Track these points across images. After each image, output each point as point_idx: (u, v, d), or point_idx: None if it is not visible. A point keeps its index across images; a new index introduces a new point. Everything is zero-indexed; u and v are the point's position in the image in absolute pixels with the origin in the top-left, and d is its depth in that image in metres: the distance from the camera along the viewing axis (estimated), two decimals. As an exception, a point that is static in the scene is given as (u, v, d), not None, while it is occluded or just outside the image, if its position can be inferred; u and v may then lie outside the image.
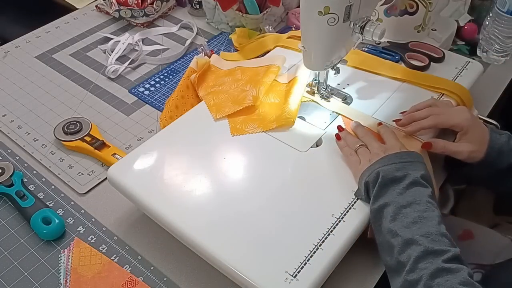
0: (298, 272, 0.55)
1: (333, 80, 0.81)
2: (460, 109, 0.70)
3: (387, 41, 0.88)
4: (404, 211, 0.56)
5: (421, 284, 0.50)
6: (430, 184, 0.60)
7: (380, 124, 0.72)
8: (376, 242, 0.59)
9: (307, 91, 0.80)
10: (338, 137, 0.70)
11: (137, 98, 0.94)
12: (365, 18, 0.68)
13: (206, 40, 1.09)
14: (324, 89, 0.79)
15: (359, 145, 0.67)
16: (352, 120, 0.74)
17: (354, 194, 0.64)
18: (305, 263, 0.56)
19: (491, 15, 0.93)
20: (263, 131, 0.72)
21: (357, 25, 0.68)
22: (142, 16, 1.12)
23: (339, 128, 0.72)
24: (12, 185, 0.74)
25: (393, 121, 0.73)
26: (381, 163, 0.62)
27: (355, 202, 0.63)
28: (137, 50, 1.04)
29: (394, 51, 0.86)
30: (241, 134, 0.72)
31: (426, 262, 0.51)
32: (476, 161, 0.67)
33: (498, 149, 0.66)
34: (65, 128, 0.84)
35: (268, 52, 0.94)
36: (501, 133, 0.68)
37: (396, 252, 0.54)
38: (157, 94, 0.94)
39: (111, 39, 1.06)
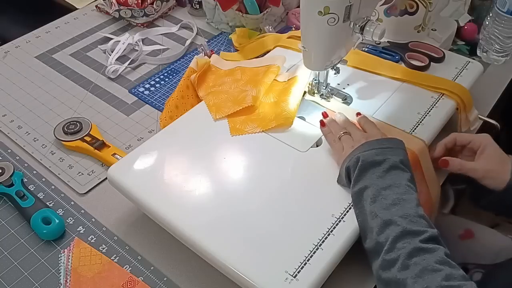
0: (298, 272, 0.55)
1: (333, 80, 0.81)
2: (482, 134, 0.71)
3: (387, 41, 0.88)
4: (383, 193, 0.57)
5: (398, 263, 0.51)
6: (409, 169, 0.61)
7: (358, 114, 0.73)
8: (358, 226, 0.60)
9: (307, 91, 0.80)
10: (322, 123, 0.72)
11: (137, 98, 0.94)
12: (365, 18, 0.68)
13: (206, 40, 1.09)
14: (324, 89, 0.79)
15: (343, 133, 0.68)
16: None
17: (337, 181, 0.64)
18: (305, 263, 0.56)
19: (491, 15, 0.93)
20: (262, 131, 0.72)
21: (357, 25, 0.68)
22: (142, 16, 1.12)
23: (324, 114, 0.73)
24: (12, 185, 0.74)
25: (440, 163, 0.72)
26: (361, 149, 0.63)
27: (355, 202, 0.63)
28: (137, 50, 1.04)
29: (394, 51, 0.86)
30: (241, 134, 0.72)
31: (403, 242, 0.53)
32: (494, 184, 0.66)
33: None
34: (65, 128, 0.84)
35: (268, 52, 0.94)
36: None
37: (375, 233, 0.55)
38: (157, 94, 0.94)
39: (111, 39, 1.06)
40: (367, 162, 0.61)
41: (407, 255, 0.51)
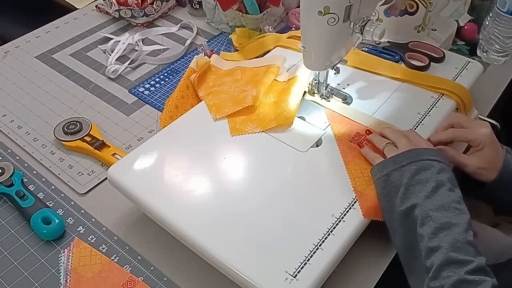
0: (298, 272, 0.55)
1: (333, 80, 0.81)
2: (481, 124, 0.69)
3: (387, 41, 0.88)
4: (431, 215, 0.55)
5: None
6: (457, 186, 0.59)
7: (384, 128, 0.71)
8: (396, 244, 0.59)
9: (307, 91, 0.80)
10: (360, 145, 0.69)
11: (137, 98, 0.94)
12: (365, 18, 0.68)
13: (206, 40, 1.09)
14: (324, 89, 0.79)
15: (386, 143, 0.66)
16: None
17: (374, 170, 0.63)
18: (305, 263, 0.56)
19: (491, 15, 0.93)
20: (262, 131, 0.72)
21: (357, 25, 0.68)
22: (142, 16, 1.12)
23: (367, 132, 0.71)
24: (12, 185, 0.74)
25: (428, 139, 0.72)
26: (407, 157, 0.61)
27: (355, 202, 0.62)
28: (137, 50, 1.04)
29: (394, 51, 0.86)
30: (241, 134, 0.72)
31: (448, 271, 0.51)
32: (484, 179, 0.66)
33: None
34: (65, 128, 0.84)
35: (268, 52, 0.94)
36: None
37: (423, 257, 0.54)
38: (157, 94, 0.94)
39: (111, 39, 1.06)
40: (414, 178, 0.59)
41: (451, 286, 0.50)
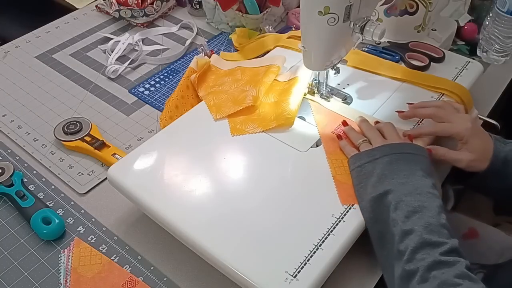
0: (298, 272, 0.55)
1: (333, 80, 0.81)
2: (462, 117, 0.69)
3: (387, 41, 0.88)
4: (405, 200, 0.57)
5: (418, 275, 0.51)
6: (432, 176, 0.61)
7: (377, 122, 0.72)
8: (370, 231, 0.60)
9: (307, 91, 0.80)
10: (339, 137, 0.71)
11: (137, 98, 0.94)
12: (365, 18, 0.68)
13: (206, 40, 1.09)
14: (324, 89, 0.79)
15: (362, 140, 0.67)
16: (353, 120, 0.74)
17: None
18: (305, 263, 0.56)
19: (491, 15, 0.93)
20: (263, 131, 0.72)
21: (357, 25, 0.68)
22: (142, 16, 1.12)
23: (344, 123, 0.73)
24: (12, 185, 0.74)
25: (396, 111, 0.74)
26: (382, 151, 0.63)
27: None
28: (137, 50, 1.04)
29: (394, 51, 0.86)
30: (241, 134, 0.72)
31: (423, 253, 0.52)
32: (478, 170, 0.66)
33: (503, 158, 0.66)
34: (65, 128, 0.83)
35: (268, 52, 0.94)
36: (506, 142, 0.68)
37: (396, 241, 0.55)
38: (157, 94, 0.94)
39: (111, 39, 1.06)
40: (387, 168, 0.60)
41: (426, 268, 0.51)
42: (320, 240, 0.58)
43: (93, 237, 0.70)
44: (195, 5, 1.15)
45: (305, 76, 0.79)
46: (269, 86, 0.80)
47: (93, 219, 0.72)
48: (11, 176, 0.75)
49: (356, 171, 0.64)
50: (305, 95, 0.79)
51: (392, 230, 0.56)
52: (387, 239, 0.57)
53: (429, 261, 0.51)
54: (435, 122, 0.71)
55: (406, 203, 0.56)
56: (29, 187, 0.76)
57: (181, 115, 0.78)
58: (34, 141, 0.85)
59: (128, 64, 1.00)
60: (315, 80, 0.79)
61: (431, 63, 0.84)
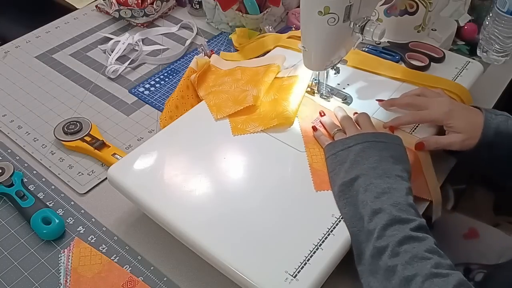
0: (298, 272, 0.55)
1: (333, 80, 0.81)
2: (439, 102, 0.70)
3: (387, 41, 0.88)
4: (374, 182, 0.58)
5: (388, 250, 0.52)
6: (402, 162, 0.62)
7: (355, 114, 0.74)
8: (343, 217, 0.60)
9: (307, 91, 0.80)
10: (314, 128, 0.72)
11: (137, 98, 0.94)
12: (365, 18, 0.68)
13: (206, 40, 1.09)
14: (324, 89, 0.79)
15: (337, 130, 0.69)
16: (331, 111, 0.75)
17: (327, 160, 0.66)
18: (305, 263, 0.56)
19: (491, 15, 0.93)
20: (263, 130, 0.72)
21: (357, 25, 0.68)
22: (142, 16, 1.12)
23: (321, 113, 0.74)
24: (12, 185, 0.74)
25: (376, 100, 0.76)
26: (356, 139, 0.64)
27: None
28: (137, 50, 1.04)
29: (394, 51, 0.86)
30: (242, 133, 0.72)
31: (393, 229, 0.53)
32: (473, 147, 0.67)
33: (495, 129, 0.66)
34: (65, 128, 0.83)
35: (268, 52, 0.94)
36: (497, 113, 0.69)
37: (366, 222, 0.56)
38: (157, 94, 0.94)
39: (111, 39, 1.06)
40: (360, 154, 0.62)
41: (397, 242, 0.52)
42: (320, 240, 0.58)
43: (93, 237, 0.70)
44: (195, 5, 1.15)
45: (307, 75, 0.79)
46: (271, 81, 0.80)
47: (93, 219, 0.72)
48: (11, 176, 0.75)
49: (330, 159, 0.65)
50: (311, 93, 0.79)
51: (361, 211, 0.57)
52: (358, 222, 0.58)
53: (399, 236, 0.52)
54: (413, 112, 0.72)
55: (375, 185, 0.58)
56: (29, 187, 0.76)
57: (181, 115, 0.78)
58: (34, 141, 0.85)
59: (128, 64, 1.00)
60: (315, 80, 0.79)
61: (431, 63, 0.84)
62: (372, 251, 0.54)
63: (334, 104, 0.78)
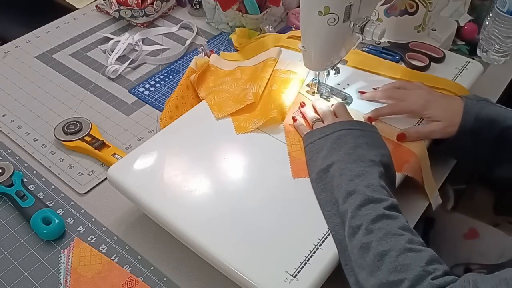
0: (298, 272, 0.55)
1: (333, 80, 0.81)
2: (417, 94, 0.72)
3: (387, 41, 0.88)
4: (349, 167, 0.60)
5: (363, 228, 0.53)
6: (376, 149, 0.63)
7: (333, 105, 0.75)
8: (319, 203, 0.61)
9: (307, 91, 0.80)
10: (294, 119, 0.74)
11: (137, 98, 0.94)
12: (365, 18, 0.68)
13: (206, 40, 1.09)
14: (324, 89, 0.79)
15: (316, 119, 0.71)
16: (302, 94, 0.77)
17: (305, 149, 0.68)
18: (305, 263, 0.56)
19: (491, 15, 0.93)
20: (262, 129, 0.72)
21: (357, 25, 0.68)
22: (142, 16, 1.12)
23: (301, 104, 0.76)
24: (12, 185, 0.74)
25: (358, 91, 0.78)
26: (333, 128, 0.66)
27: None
28: (137, 50, 1.04)
29: (394, 51, 0.86)
30: (246, 131, 0.72)
31: (367, 209, 0.55)
32: (454, 134, 0.68)
33: (475, 114, 0.67)
34: (65, 128, 0.83)
35: (267, 52, 0.94)
36: (479, 98, 0.70)
37: (340, 204, 0.57)
38: (157, 94, 0.94)
39: (111, 39, 1.06)
40: (336, 142, 0.63)
41: (371, 221, 0.53)
42: (320, 240, 0.58)
43: (93, 237, 0.70)
44: (195, 5, 1.15)
45: (302, 68, 0.79)
46: (269, 76, 0.80)
47: (93, 219, 0.72)
48: (11, 176, 0.75)
49: (309, 147, 0.67)
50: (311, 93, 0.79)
51: (336, 195, 0.58)
52: (333, 206, 0.59)
53: (373, 215, 0.54)
54: (393, 104, 0.74)
55: (350, 169, 0.60)
56: (29, 187, 0.76)
57: (181, 115, 0.78)
58: (34, 141, 0.85)
59: (128, 64, 1.00)
60: (315, 80, 0.79)
61: (431, 63, 0.84)
62: (347, 231, 0.55)
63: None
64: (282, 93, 0.76)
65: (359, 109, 0.76)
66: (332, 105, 0.74)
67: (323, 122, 0.70)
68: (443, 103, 0.70)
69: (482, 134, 0.67)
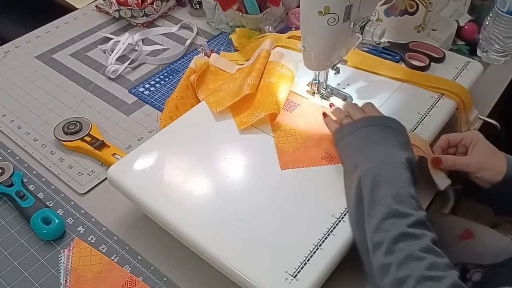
0: (298, 272, 0.55)
1: (333, 80, 0.81)
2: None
3: (387, 41, 0.88)
4: (378, 167, 0.58)
5: (383, 247, 0.52)
6: (407, 150, 0.62)
7: (331, 105, 0.76)
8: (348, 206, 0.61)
9: (307, 91, 0.80)
10: (324, 114, 0.74)
11: (137, 98, 0.94)
12: (365, 18, 0.68)
13: (206, 40, 1.09)
14: (324, 89, 0.79)
15: (345, 116, 0.70)
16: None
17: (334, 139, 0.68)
18: (305, 263, 0.56)
19: (491, 15, 0.93)
20: (262, 129, 0.72)
21: (357, 25, 0.68)
22: (142, 16, 1.12)
23: (331, 105, 0.76)
24: (12, 185, 0.74)
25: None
26: (362, 123, 0.66)
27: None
28: (137, 50, 1.04)
29: (394, 51, 0.86)
30: (248, 125, 0.72)
31: (390, 223, 0.53)
32: (490, 180, 0.66)
33: None
34: (65, 128, 0.84)
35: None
36: None
37: (366, 211, 0.56)
38: (157, 94, 0.94)
39: (111, 39, 1.06)
40: (367, 137, 0.62)
41: (392, 240, 0.52)
42: (320, 240, 0.58)
43: (93, 237, 0.70)
44: (195, 5, 1.15)
45: (294, 66, 0.80)
46: (263, 67, 0.80)
47: (93, 219, 0.72)
48: (11, 176, 0.75)
49: (339, 144, 0.67)
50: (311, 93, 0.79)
51: (362, 193, 0.58)
52: (359, 208, 0.58)
53: (395, 233, 0.52)
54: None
55: (378, 172, 0.58)
56: (29, 187, 0.76)
57: (181, 115, 0.78)
58: (34, 141, 0.85)
59: (128, 64, 1.00)
60: (315, 80, 0.79)
61: (431, 63, 0.84)
62: (369, 244, 0.54)
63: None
64: (279, 88, 0.76)
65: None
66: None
67: (352, 119, 0.69)
68: (490, 145, 0.68)
69: None
